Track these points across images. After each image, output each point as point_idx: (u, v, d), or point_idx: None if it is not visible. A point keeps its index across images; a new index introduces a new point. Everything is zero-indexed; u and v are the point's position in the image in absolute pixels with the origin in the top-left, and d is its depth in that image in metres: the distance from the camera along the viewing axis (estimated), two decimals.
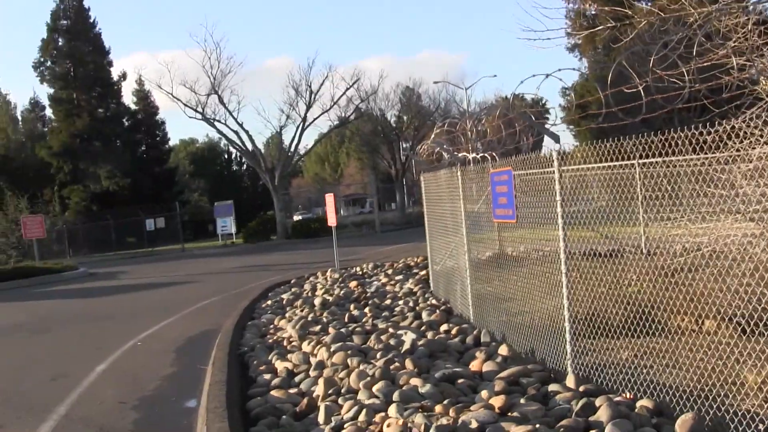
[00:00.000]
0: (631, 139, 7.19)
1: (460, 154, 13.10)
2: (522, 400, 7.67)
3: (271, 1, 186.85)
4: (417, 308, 14.46)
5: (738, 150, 7.47)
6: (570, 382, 8.12)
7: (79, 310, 22.22)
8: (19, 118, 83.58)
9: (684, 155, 7.04)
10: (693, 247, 10.18)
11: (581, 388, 7.85)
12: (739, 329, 7.96)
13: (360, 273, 22.42)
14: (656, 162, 10.39)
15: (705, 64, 7.84)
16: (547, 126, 9.38)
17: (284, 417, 8.40)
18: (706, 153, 7.08)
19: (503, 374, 8.71)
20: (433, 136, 15.29)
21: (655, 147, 7.10)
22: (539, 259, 9.62)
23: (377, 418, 7.65)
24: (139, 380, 11.65)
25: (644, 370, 7.95)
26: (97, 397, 10.77)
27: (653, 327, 7.90)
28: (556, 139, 8.08)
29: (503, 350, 9.94)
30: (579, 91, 29.71)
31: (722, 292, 7.55)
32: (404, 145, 66.87)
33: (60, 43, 73.67)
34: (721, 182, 7.74)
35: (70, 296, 27.17)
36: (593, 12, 32.59)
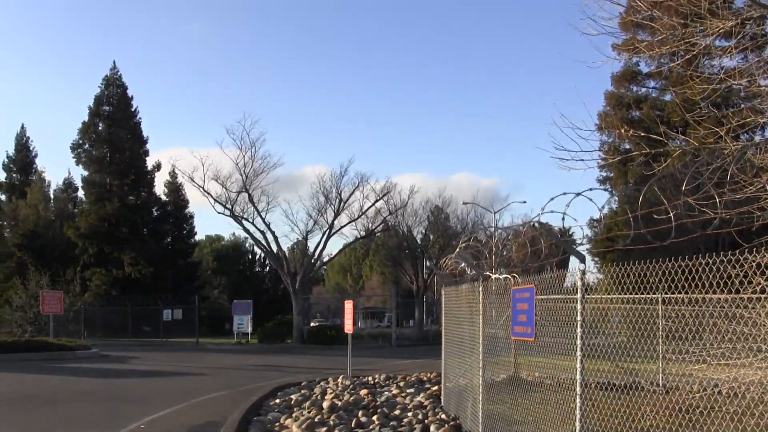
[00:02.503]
0: (656, 263, 7.15)
1: (484, 272, 13.07)
2: None
3: (314, 113, 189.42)
4: (426, 421, 14.31)
5: (763, 290, 7.42)
6: None
7: (87, 388, 22.21)
8: (52, 196, 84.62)
9: (708, 290, 6.99)
10: (711, 384, 10.07)
11: None
12: None
13: (372, 382, 22.22)
14: (680, 298, 10.31)
15: (738, 197, 7.86)
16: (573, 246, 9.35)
17: None
18: (731, 288, 7.04)
19: None
20: (457, 250, 15.28)
21: (680, 276, 7.05)
22: (554, 386, 9.50)
23: None
24: None
25: None
26: None
27: None
28: (581, 258, 8.04)
29: None
30: (607, 225, 29.73)
31: None
32: (427, 263, 66.82)
33: (99, 128, 75.31)
34: (743, 320, 7.68)
35: (79, 374, 27.17)
36: (627, 146, 32.87)
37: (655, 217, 8.17)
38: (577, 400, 8.01)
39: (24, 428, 14.92)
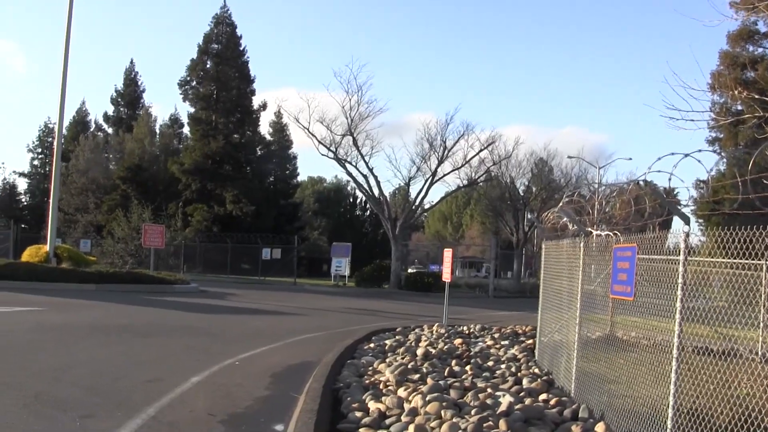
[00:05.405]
0: (763, 229, 6.97)
1: (585, 228, 12.94)
2: None
3: (421, 61, 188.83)
4: (519, 374, 14.27)
5: None
6: None
7: (184, 322, 22.75)
8: (158, 131, 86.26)
9: None
10: None
11: None
12: None
13: (466, 332, 22.23)
14: None
15: None
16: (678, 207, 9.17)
17: None
18: None
19: None
20: (560, 204, 15.16)
21: None
22: (650, 347, 9.39)
23: None
24: (232, 397, 11.72)
25: None
26: (187, 405, 10.87)
27: None
28: (686, 220, 7.89)
29: (600, 428, 9.70)
30: (714, 187, 29.11)
31: None
32: (529, 216, 66.35)
33: (208, 66, 76.36)
34: None
35: (177, 308, 27.76)
36: (739, 107, 31.97)
37: (765, 182, 7.97)
38: (673, 362, 7.91)
39: (121, 358, 15.28)
